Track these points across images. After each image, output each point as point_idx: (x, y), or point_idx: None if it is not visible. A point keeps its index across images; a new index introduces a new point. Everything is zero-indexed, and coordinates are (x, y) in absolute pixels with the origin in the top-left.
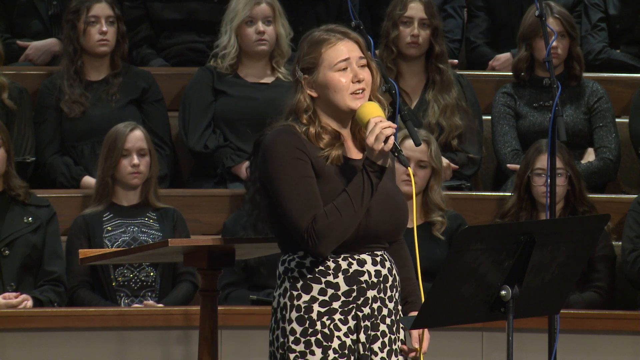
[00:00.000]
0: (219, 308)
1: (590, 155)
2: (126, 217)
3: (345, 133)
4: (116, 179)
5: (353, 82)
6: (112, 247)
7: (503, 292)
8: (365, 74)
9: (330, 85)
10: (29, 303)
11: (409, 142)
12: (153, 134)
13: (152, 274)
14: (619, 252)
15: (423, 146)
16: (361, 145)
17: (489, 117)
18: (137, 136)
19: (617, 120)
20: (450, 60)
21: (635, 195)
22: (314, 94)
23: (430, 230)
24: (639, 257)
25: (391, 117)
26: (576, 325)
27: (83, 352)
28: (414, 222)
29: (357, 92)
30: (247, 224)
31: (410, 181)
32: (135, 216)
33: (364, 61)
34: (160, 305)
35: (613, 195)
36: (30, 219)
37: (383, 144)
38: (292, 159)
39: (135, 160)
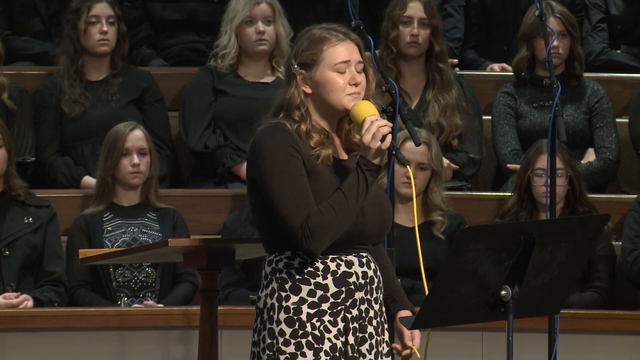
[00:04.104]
0: (219, 308)
1: (590, 156)
2: (126, 217)
3: (333, 133)
4: (116, 178)
5: (350, 85)
6: (112, 247)
7: (503, 292)
8: (361, 78)
9: (326, 84)
10: (30, 303)
11: (410, 144)
12: (153, 134)
13: (152, 274)
14: (619, 252)
15: (423, 148)
16: (347, 146)
17: (489, 117)
18: (137, 136)
19: (617, 120)
20: (450, 60)
21: (635, 195)
22: (308, 90)
23: (431, 229)
24: (639, 257)
25: (391, 117)
26: (576, 325)
27: (83, 352)
28: (415, 222)
29: (353, 94)
30: (246, 222)
31: (410, 183)
32: (136, 216)
33: (362, 65)
34: (160, 305)
35: (613, 195)
36: (30, 219)
37: (380, 142)
38: (285, 157)
39: (136, 159)
